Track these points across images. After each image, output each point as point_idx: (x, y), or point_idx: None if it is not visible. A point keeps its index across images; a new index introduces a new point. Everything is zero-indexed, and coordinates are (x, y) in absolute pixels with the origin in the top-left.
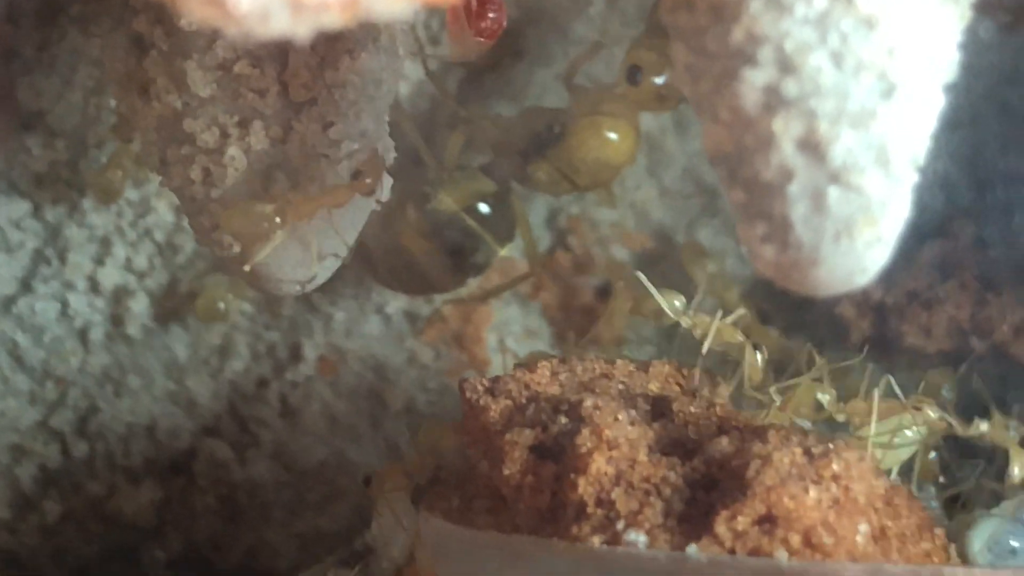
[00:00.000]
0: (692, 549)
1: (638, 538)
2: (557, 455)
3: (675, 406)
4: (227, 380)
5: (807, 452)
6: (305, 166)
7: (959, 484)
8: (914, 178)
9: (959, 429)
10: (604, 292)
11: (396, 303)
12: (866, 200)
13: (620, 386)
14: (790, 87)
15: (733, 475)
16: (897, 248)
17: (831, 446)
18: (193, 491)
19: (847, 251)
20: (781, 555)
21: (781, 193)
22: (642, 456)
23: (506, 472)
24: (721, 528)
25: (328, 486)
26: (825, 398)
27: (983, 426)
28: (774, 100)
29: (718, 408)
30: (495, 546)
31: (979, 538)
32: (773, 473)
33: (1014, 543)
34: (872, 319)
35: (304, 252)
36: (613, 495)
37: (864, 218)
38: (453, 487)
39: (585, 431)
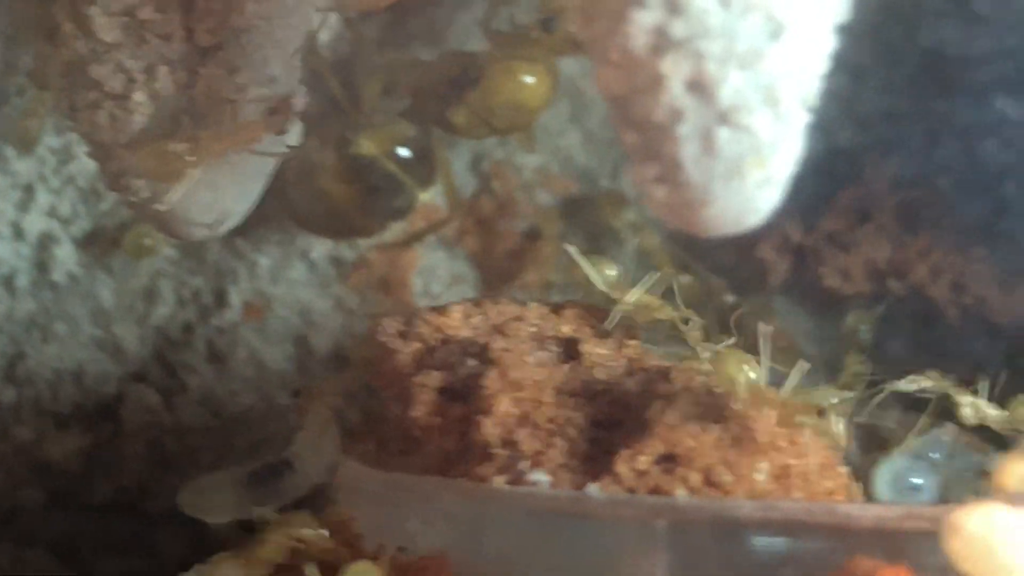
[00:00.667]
0: (592, 488)
1: (541, 478)
2: (465, 397)
3: (584, 348)
4: (153, 326)
5: (710, 392)
6: (212, 111)
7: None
8: (804, 118)
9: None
10: (531, 236)
11: (321, 248)
12: (755, 141)
13: (532, 328)
14: (678, 28)
15: (636, 415)
16: (816, 189)
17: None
18: (121, 437)
19: (737, 191)
20: (680, 493)
21: (671, 134)
22: (547, 397)
23: (415, 414)
24: (622, 467)
25: (256, 431)
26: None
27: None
28: (662, 41)
29: (628, 350)
30: (405, 488)
31: (882, 476)
32: (675, 413)
33: (916, 480)
34: (791, 261)
35: (212, 195)
36: (518, 436)
37: (754, 159)
38: (368, 430)
39: (492, 373)
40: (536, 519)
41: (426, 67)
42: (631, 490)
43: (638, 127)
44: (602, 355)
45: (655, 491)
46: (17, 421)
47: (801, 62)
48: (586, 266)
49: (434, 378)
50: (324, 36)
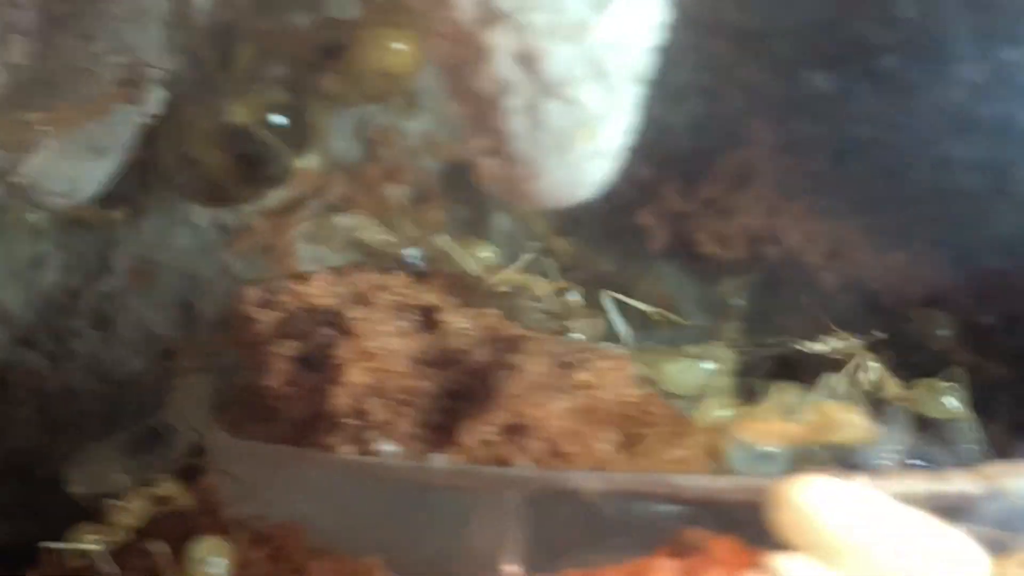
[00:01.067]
0: (436, 458)
1: (388, 448)
2: (318, 366)
3: (444, 317)
4: (40, 292)
5: (559, 362)
6: (66, 81)
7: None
8: (635, 91)
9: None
10: (417, 202)
11: (206, 214)
12: (583, 113)
13: (396, 298)
14: (504, 0)
15: (485, 385)
16: (697, 156)
17: (592, 355)
18: (8, 402)
19: (566, 164)
20: (523, 463)
21: (499, 107)
22: (400, 367)
23: (271, 383)
24: (467, 437)
25: (144, 397)
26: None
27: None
28: (488, 13)
29: (486, 319)
30: (262, 457)
31: (737, 444)
32: (522, 382)
33: (769, 448)
34: (671, 227)
35: (69, 165)
36: (368, 406)
37: (582, 132)
38: (232, 398)
39: (344, 343)
40: (387, 489)
41: (299, 34)
42: (475, 460)
43: (468, 99)
44: (460, 325)
45: (500, 461)
46: None
47: (629, 35)
48: (458, 253)
49: (289, 347)
50: (200, 2)
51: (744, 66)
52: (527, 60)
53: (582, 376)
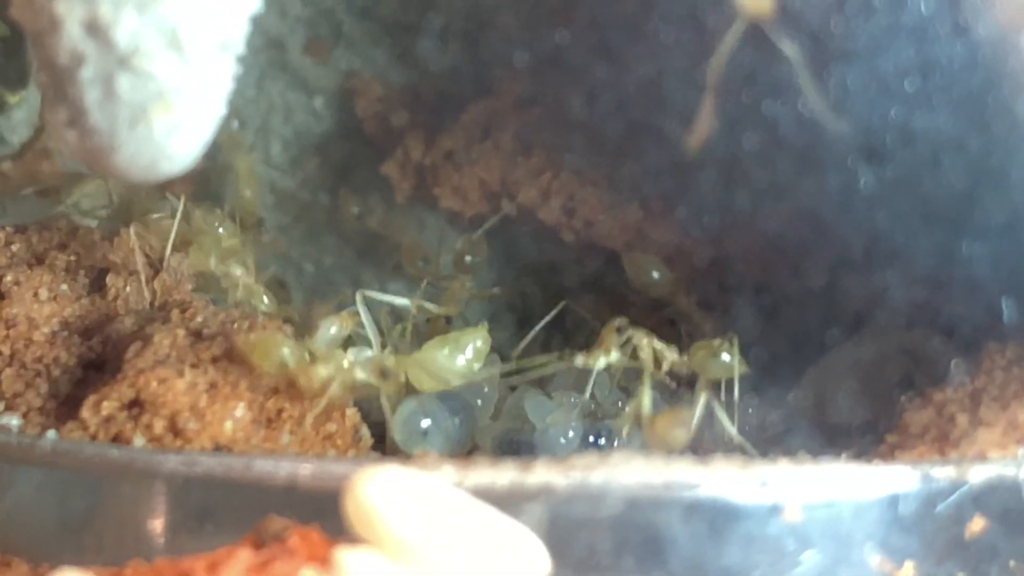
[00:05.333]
0: (50, 434)
1: (10, 421)
2: None
3: (109, 280)
4: None
5: (195, 333)
6: None
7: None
8: (226, 61)
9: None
10: None
11: None
12: (158, 86)
13: (72, 257)
14: None
15: (119, 357)
16: (441, 105)
17: (235, 325)
18: None
19: (145, 137)
20: (139, 441)
21: (75, 77)
22: (39, 336)
23: None
24: (87, 412)
25: None
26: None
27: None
28: None
29: (156, 285)
30: None
31: (398, 419)
32: (149, 355)
33: (424, 424)
34: (414, 180)
35: None
36: (1, 376)
37: (158, 104)
38: None
39: None
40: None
41: None
42: (93, 437)
43: (47, 69)
44: (127, 290)
45: (118, 438)
46: None
47: (210, 6)
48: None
49: None
50: None
51: (501, 14)
52: (97, 30)
53: (214, 351)
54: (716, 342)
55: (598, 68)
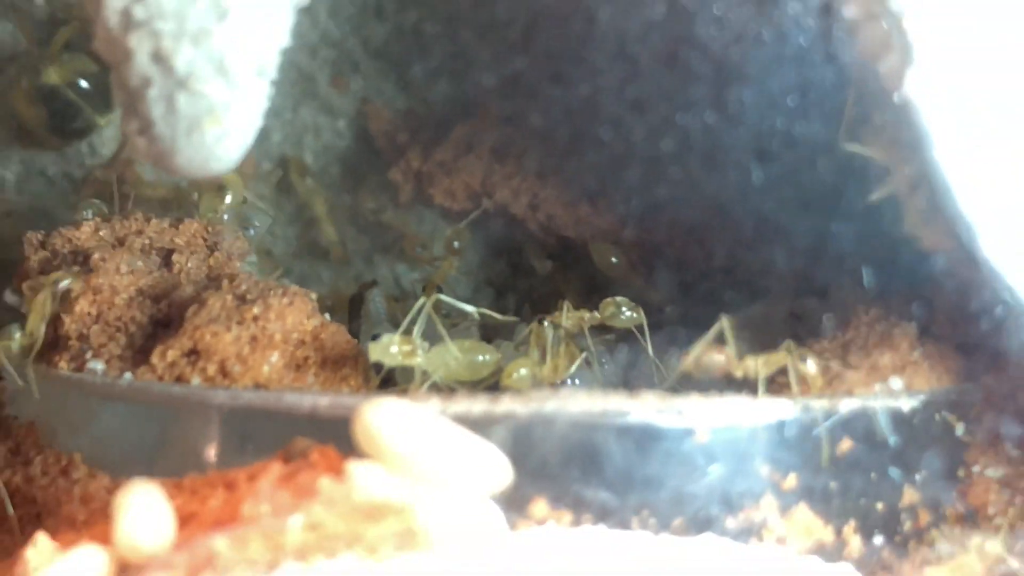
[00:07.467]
0: (127, 375)
1: (96, 365)
2: (62, 299)
3: (175, 258)
4: None
5: (239, 297)
6: None
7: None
8: (262, 85)
9: None
10: None
11: (55, 167)
12: (210, 103)
13: (146, 240)
14: (139, 11)
15: (181, 316)
16: (434, 127)
17: (272, 292)
18: None
19: (198, 144)
20: (195, 381)
21: (143, 96)
22: (120, 300)
23: (27, 311)
24: (155, 359)
25: None
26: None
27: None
28: (129, 21)
29: (211, 261)
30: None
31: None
32: (204, 315)
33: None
34: (414, 184)
35: None
36: (90, 331)
37: (209, 118)
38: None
39: (83, 278)
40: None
41: None
42: (160, 379)
43: (123, 89)
44: (189, 267)
45: (179, 379)
46: None
47: (251, 39)
48: None
49: (43, 281)
50: None
51: (477, 53)
52: (161, 59)
53: (254, 310)
54: (619, 299)
55: (552, 91)
